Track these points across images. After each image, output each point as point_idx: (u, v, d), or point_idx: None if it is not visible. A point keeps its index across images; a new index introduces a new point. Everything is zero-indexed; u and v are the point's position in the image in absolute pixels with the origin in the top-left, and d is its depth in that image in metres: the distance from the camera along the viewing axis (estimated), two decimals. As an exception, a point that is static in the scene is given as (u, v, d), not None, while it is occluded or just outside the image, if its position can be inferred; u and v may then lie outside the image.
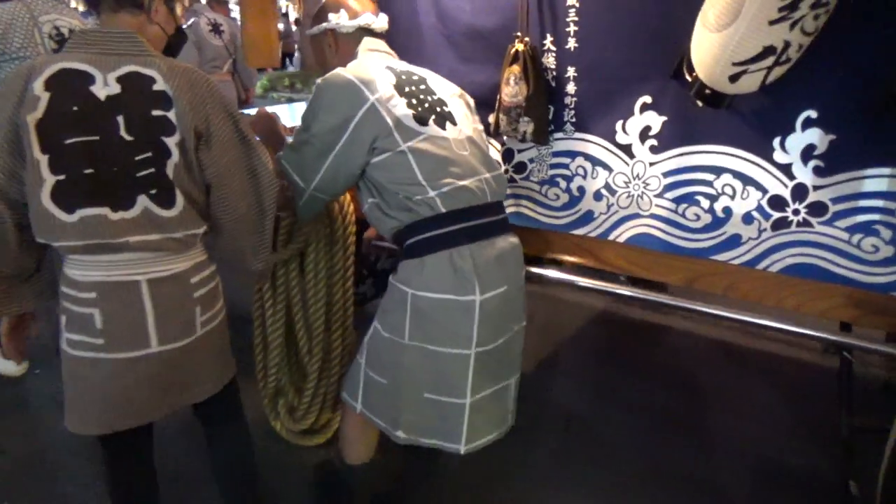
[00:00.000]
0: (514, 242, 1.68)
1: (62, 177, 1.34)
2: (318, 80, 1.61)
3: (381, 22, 1.77)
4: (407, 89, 1.59)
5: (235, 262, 1.66)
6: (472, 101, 1.78)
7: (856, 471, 1.66)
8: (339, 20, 1.74)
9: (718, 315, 1.79)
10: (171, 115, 1.40)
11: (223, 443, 1.77)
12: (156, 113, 1.39)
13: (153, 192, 1.40)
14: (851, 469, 1.53)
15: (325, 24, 1.77)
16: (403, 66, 1.70)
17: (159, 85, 1.40)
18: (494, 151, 1.82)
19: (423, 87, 1.64)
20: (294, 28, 14.17)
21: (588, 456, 2.26)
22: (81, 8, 3.65)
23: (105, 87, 1.36)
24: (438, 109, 1.59)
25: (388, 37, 1.79)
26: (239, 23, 5.16)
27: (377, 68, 1.61)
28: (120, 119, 1.37)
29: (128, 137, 1.37)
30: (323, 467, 2.31)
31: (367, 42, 1.73)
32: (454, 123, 1.61)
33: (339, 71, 1.60)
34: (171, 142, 1.41)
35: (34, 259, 1.49)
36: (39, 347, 2.77)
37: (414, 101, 1.56)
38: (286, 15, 14.63)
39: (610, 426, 2.44)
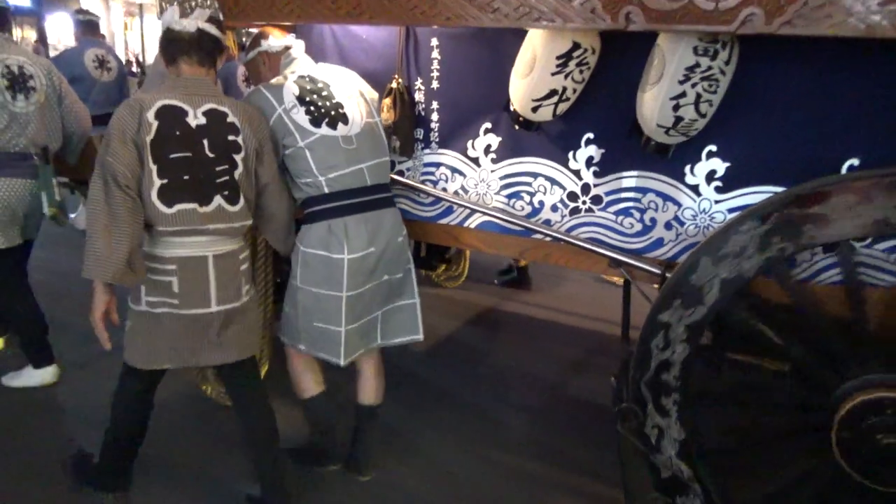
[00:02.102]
0: (388, 216, 2.33)
1: (166, 181, 1.90)
2: (245, 95, 2.27)
3: (299, 44, 2.43)
4: (308, 98, 2.21)
5: (279, 241, 2.36)
6: (372, 97, 2.45)
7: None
8: (269, 44, 2.38)
9: (533, 229, 2.38)
10: (239, 139, 1.99)
11: (250, 409, 2.25)
12: (230, 138, 1.98)
13: (226, 193, 1.99)
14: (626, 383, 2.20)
15: (258, 48, 2.41)
16: (314, 72, 2.33)
17: (230, 118, 1.98)
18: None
19: (324, 93, 2.27)
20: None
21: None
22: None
23: (195, 119, 1.94)
24: (333, 113, 2.24)
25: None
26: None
27: (288, 82, 2.23)
28: (205, 141, 1.95)
29: (210, 155, 1.96)
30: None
31: (290, 55, 2.36)
32: (345, 123, 2.25)
33: (259, 88, 2.24)
34: (238, 158, 2.02)
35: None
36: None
37: (312, 108, 2.20)
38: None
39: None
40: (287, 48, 2.39)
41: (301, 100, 2.23)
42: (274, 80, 2.30)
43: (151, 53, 12.89)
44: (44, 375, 3.14)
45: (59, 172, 3.26)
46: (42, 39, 12.49)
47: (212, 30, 2.04)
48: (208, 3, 2.37)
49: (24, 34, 14.16)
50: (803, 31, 1.64)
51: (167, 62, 2.05)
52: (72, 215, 4.33)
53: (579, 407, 3.13)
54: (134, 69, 9.11)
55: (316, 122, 2.21)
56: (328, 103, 2.27)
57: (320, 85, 2.30)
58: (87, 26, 5.34)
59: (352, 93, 2.36)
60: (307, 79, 2.29)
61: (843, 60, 1.87)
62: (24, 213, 2.97)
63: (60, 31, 12.84)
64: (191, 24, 2.00)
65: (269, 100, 2.21)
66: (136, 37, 14.97)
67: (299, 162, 2.22)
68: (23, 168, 2.92)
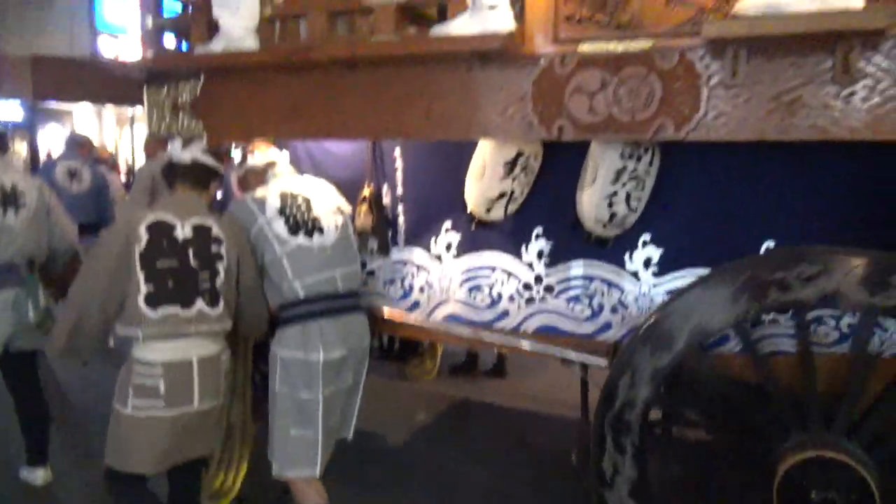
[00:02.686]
0: (357, 322, 2.52)
1: (152, 287, 2.12)
2: (231, 204, 2.50)
3: (283, 157, 2.68)
4: (288, 211, 2.44)
5: (253, 329, 2.55)
6: (348, 210, 2.67)
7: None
8: (254, 161, 2.64)
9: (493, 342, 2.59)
10: (222, 249, 2.22)
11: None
12: (213, 249, 2.21)
13: (207, 297, 2.19)
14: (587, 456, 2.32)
15: (245, 165, 2.67)
16: (296, 186, 2.55)
17: (215, 231, 2.22)
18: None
19: (303, 207, 2.49)
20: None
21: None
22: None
23: (183, 232, 2.18)
24: (310, 225, 2.46)
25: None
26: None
27: (272, 194, 2.46)
28: (190, 252, 2.18)
29: (194, 264, 2.19)
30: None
31: (275, 170, 2.61)
32: (321, 233, 2.46)
33: (245, 198, 2.48)
34: (220, 266, 2.24)
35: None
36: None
37: (290, 220, 2.43)
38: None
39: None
40: (271, 163, 2.65)
41: (281, 212, 2.45)
42: (259, 193, 2.52)
43: (140, 160, 13.32)
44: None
45: (44, 284, 3.41)
46: (33, 153, 12.94)
47: (206, 159, 2.32)
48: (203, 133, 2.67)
49: (15, 147, 14.59)
50: (706, 137, 1.93)
51: (168, 186, 2.33)
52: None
53: (544, 485, 3.22)
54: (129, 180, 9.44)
55: (293, 232, 2.43)
56: (306, 216, 2.49)
57: (300, 200, 2.51)
58: (73, 144, 5.67)
59: (330, 206, 2.59)
60: (289, 193, 2.51)
61: (755, 153, 2.15)
62: (11, 324, 3.09)
63: (52, 144, 13.25)
64: (187, 155, 2.29)
65: (252, 211, 2.44)
66: (126, 145, 15.45)
67: (277, 268, 2.42)
68: (8, 279, 3.07)
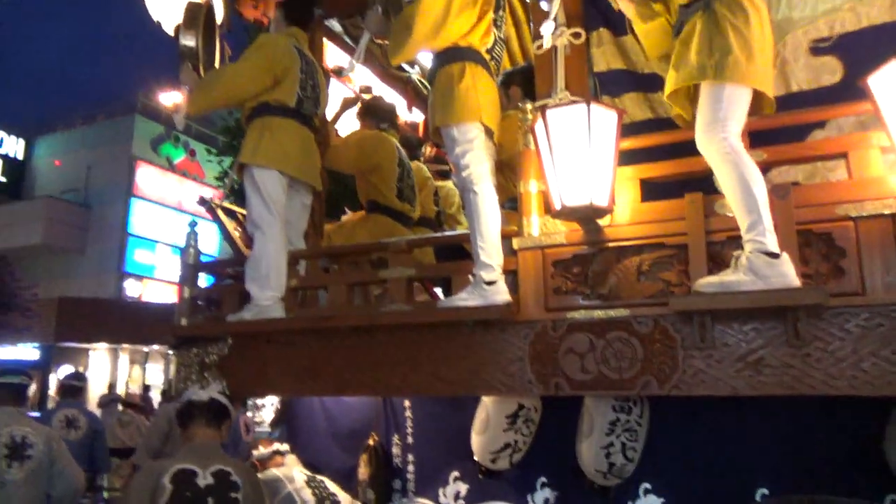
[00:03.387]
0: None
1: None
2: (262, 475, 2.64)
3: (286, 447, 2.95)
4: (313, 484, 2.66)
5: None
6: None
7: None
8: (259, 454, 2.91)
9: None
10: (240, 495, 2.31)
11: None
12: (232, 495, 2.30)
13: None
14: None
15: (252, 456, 2.92)
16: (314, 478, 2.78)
17: (234, 476, 2.33)
18: None
19: (323, 484, 2.71)
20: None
21: None
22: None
23: (204, 479, 2.28)
24: (332, 499, 2.66)
25: (294, 440, 2.88)
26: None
27: (296, 470, 2.74)
28: (210, 500, 2.26)
29: None
30: None
31: (284, 459, 2.86)
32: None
33: (273, 472, 2.65)
34: None
35: None
36: None
37: (317, 492, 2.62)
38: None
39: None
40: (277, 451, 2.92)
41: (308, 483, 2.70)
42: (283, 468, 2.77)
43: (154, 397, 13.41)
44: None
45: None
46: (42, 394, 13.00)
47: (221, 399, 2.52)
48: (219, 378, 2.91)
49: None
50: (687, 393, 2.14)
51: (183, 427, 2.47)
52: None
53: None
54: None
55: (320, 502, 2.63)
56: (328, 490, 2.73)
57: (318, 479, 2.77)
58: (69, 390, 5.75)
59: (344, 495, 2.82)
60: (308, 472, 2.80)
61: (745, 404, 2.33)
62: None
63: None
64: (205, 394, 2.49)
65: (281, 480, 2.67)
66: (137, 382, 15.64)
67: None
68: None
